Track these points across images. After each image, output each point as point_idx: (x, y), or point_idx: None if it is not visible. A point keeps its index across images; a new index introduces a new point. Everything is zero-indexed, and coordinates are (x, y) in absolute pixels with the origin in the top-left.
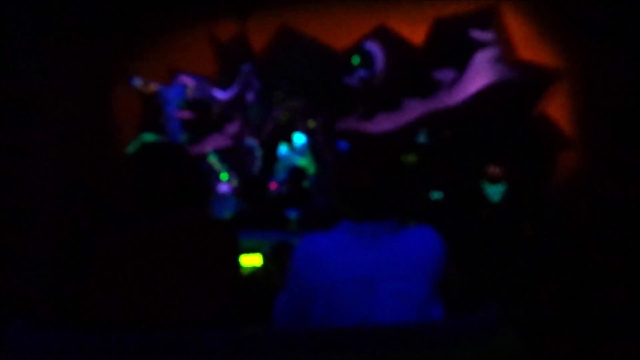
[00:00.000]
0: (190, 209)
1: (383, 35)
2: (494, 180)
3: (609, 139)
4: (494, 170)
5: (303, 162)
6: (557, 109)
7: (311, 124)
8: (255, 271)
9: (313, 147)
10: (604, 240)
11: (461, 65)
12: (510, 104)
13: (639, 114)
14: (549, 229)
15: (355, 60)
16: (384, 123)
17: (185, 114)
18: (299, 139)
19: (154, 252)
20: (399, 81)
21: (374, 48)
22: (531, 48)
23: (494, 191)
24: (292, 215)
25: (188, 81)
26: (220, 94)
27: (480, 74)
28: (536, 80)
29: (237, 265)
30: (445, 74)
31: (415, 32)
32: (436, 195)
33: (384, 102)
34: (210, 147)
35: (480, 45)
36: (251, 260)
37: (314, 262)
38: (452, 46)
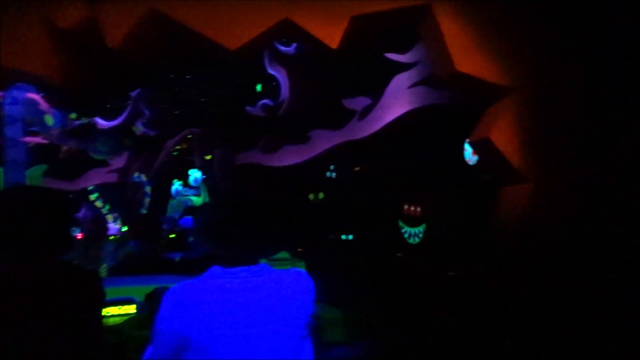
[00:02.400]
0: (48, 256)
1: (289, 31)
2: (411, 220)
3: (562, 171)
4: (410, 209)
5: (198, 200)
6: (501, 134)
7: (208, 157)
8: (129, 320)
9: (209, 183)
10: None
11: (376, 91)
12: (435, 132)
13: (596, 141)
14: (485, 276)
15: (259, 87)
16: (289, 156)
17: (35, 140)
18: (194, 174)
19: (6, 300)
20: (307, 110)
21: (280, 74)
22: (471, 60)
23: (412, 232)
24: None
25: (34, 96)
26: (102, 122)
27: (398, 101)
28: (474, 101)
29: (97, 315)
30: (358, 102)
31: (328, 32)
32: (346, 236)
33: (290, 134)
34: (91, 183)
35: (398, 68)
36: (123, 309)
37: (184, 310)
38: (366, 69)
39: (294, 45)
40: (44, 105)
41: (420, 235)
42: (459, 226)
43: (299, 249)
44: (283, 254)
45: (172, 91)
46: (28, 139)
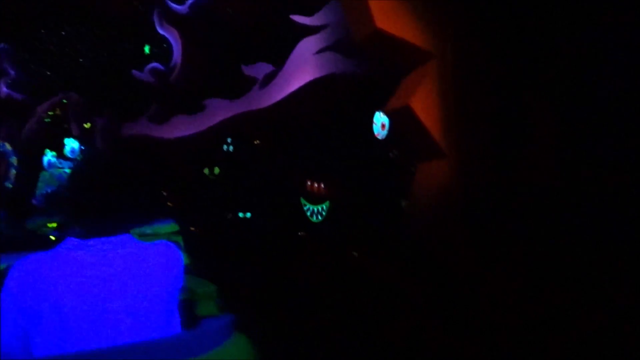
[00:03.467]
0: None
1: None
2: (314, 198)
3: (483, 147)
4: (313, 186)
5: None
6: (421, 103)
7: (87, 125)
8: None
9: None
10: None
11: (279, 58)
12: (341, 104)
13: (516, 115)
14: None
15: (147, 49)
16: (182, 128)
17: None
18: (71, 144)
19: None
20: (202, 77)
21: (171, 35)
22: (392, 19)
23: (314, 211)
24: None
25: None
26: None
27: (303, 68)
28: (390, 67)
29: None
30: (259, 69)
31: None
32: (243, 214)
33: (182, 102)
34: None
35: (304, 32)
36: None
37: (32, 285)
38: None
39: (188, 2)
40: None
41: (324, 213)
42: (365, 205)
43: (192, 228)
44: (170, 227)
45: (43, 49)
46: None
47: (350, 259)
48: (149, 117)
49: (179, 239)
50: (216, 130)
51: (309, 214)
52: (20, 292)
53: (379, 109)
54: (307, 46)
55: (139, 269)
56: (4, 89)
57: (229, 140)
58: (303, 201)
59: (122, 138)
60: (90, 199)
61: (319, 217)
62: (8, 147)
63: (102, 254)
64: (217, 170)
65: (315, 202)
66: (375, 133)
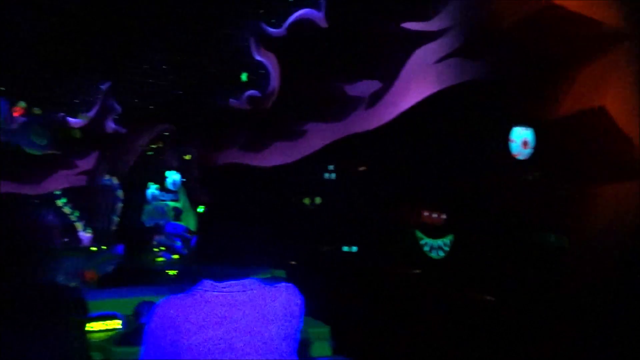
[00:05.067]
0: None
1: None
2: (433, 231)
3: None
4: (431, 216)
5: (177, 206)
6: (618, 103)
7: (187, 157)
8: (113, 336)
9: (188, 187)
10: None
11: (388, 73)
12: (465, 119)
13: None
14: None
15: (244, 76)
16: (279, 155)
17: None
18: (172, 177)
19: None
20: (301, 101)
21: (268, 60)
22: None
23: (434, 246)
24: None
25: None
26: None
27: (420, 80)
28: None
29: (78, 333)
30: (364, 88)
31: None
32: (349, 248)
33: (280, 129)
34: (58, 187)
35: (419, 40)
36: (109, 324)
37: (170, 326)
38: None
39: (286, 25)
40: None
41: (446, 248)
42: (498, 240)
43: (292, 262)
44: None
45: (144, 83)
46: None
47: (480, 304)
48: (245, 145)
49: (282, 273)
50: (317, 156)
51: (427, 249)
52: (162, 330)
53: (518, 123)
54: (424, 55)
55: (264, 310)
56: (111, 124)
57: (330, 167)
58: (419, 234)
59: (217, 168)
60: (222, 245)
61: (440, 253)
62: (115, 180)
63: (232, 295)
64: (318, 200)
65: (434, 235)
66: (514, 153)
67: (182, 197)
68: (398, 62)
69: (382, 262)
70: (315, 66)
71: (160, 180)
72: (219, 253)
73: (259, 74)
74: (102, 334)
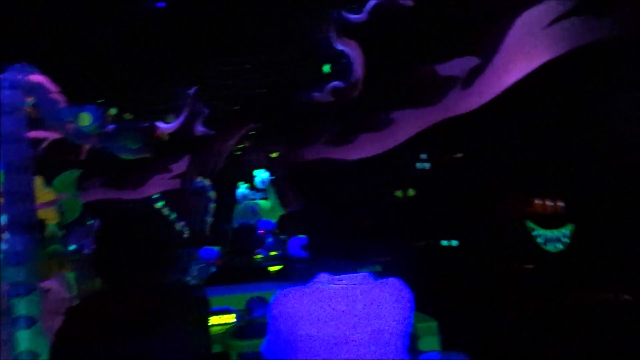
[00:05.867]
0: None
1: None
2: (547, 220)
3: None
4: (545, 204)
5: (266, 204)
6: None
7: (274, 155)
8: (229, 330)
9: (276, 185)
10: None
11: (488, 46)
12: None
13: None
14: None
15: (326, 68)
16: (365, 147)
17: (41, 134)
18: (261, 175)
19: (116, 319)
20: (387, 88)
21: (350, 48)
22: None
23: (550, 237)
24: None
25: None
26: (162, 125)
27: (528, 49)
28: None
29: (203, 328)
30: (459, 66)
31: None
32: (448, 242)
33: (365, 119)
34: (156, 191)
35: (522, 3)
36: (224, 319)
37: (289, 319)
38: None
39: (366, 9)
40: (54, 91)
41: (565, 239)
42: (632, 227)
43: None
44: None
45: (228, 85)
46: (34, 133)
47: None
48: (331, 139)
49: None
50: (408, 145)
51: (541, 241)
52: (281, 322)
53: None
54: (531, 20)
55: (378, 304)
56: (200, 127)
57: (423, 156)
58: (531, 225)
59: (304, 164)
60: (331, 240)
61: (558, 246)
62: (207, 182)
63: (348, 289)
64: (411, 192)
65: (550, 225)
66: None
67: (272, 195)
68: (499, 32)
69: (488, 257)
70: (402, 49)
71: (249, 180)
72: (328, 248)
73: (342, 64)
74: (218, 328)
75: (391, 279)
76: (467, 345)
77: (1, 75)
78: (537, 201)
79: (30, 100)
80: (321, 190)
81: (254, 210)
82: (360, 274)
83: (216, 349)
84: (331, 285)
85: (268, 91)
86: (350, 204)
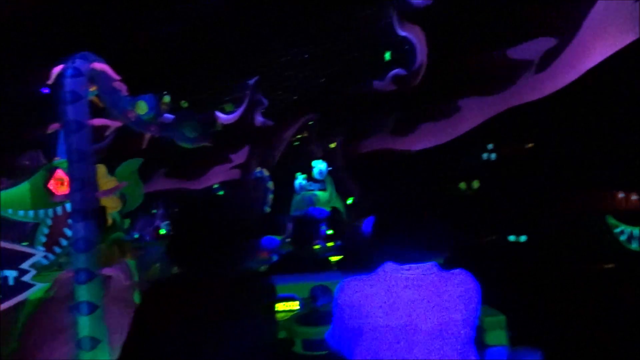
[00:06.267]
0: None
1: None
2: (631, 216)
3: None
4: (629, 199)
5: (324, 195)
6: None
7: (332, 145)
8: (292, 317)
9: (334, 176)
10: None
11: (567, 25)
12: None
13: None
14: None
15: (387, 55)
16: (428, 137)
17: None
18: (319, 166)
19: (193, 304)
20: (451, 74)
21: (413, 33)
22: None
23: (634, 234)
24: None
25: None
26: (222, 116)
27: (611, 29)
28: None
29: (270, 315)
30: (531, 49)
31: None
32: (516, 237)
33: (428, 107)
34: (216, 181)
35: None
36: (287, 306)
37: (355, 307)
38: None
39: None
40: (116, 79)
41: None
42: None
43: (452, 251)
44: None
45: (287, 75)
46: (96, 121)
47: None
48: (391, 129)
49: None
50: (474, 135)
51: (623, 238)
52: (344, 312)
53: None
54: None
55: (445, 295)
56: (259, 118)
57: (490, 146)
58: (612, 221)
59: (364, 154)
60: (411, 227)
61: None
62: (265, 173)
63: (414, 279)
64: (475, 183)
65: (634, 222)
66: None
67: (329, 186)
68: (580, 9)
69: (563, 255)
70: (469, 32)
71: (307, 170)
72: (393, 238)
73: (404, 51)
74: (282, 314)
75: (458, 271)
76: (537, 342)
77: (65, 64)
78: (619, 195)
79: (93, 89)
80: (381, 182)
81: (311, 201)
82: (427, 264)
83: (281, 335)
84: (398, 274)
85: (327, 81)
86: (413, 195)
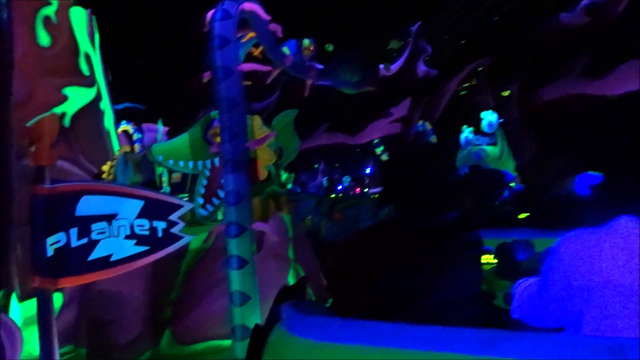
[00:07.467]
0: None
1: None
2: None
3: None
4: None
5: (494, 150)
6: None
7: (505, 93)
8: (494, 268)
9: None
10: None
11: None
12: None
13: None
14: None
15: None
16: (630, 79)
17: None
18: (488, 118)
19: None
20: None
21: None
22: None
23: None
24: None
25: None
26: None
27: None
28: None
29: (476, 266)
30: None
31: None
32: None
33: (631, 43)
34: (375, 136)
35: None
36: (485, 258)
37: (587, 263)
38: None
39: None
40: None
41: None
42: None
43: None
44: None
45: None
46: (246, 66)
47: None
48: (581, 72)
49: None
50: None
51: None
52: (572, 266)
53: None
54: None
55: None
56: (422, 67)
57: None
58: None
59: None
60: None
61: None
62: (428, 126)
63: None
64: None
65: None
66: None
67: (500, 141)
68: None
69: None
70: None
71: (475, 123)
72: (625, 191)
73: None
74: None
75: None
76: None
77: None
78: None
79: (251, 35)
80: (569, 135)
81: (479, 157)
82: None
83: (483, 287)
84: (636, 229)
85: (501, 20)
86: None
